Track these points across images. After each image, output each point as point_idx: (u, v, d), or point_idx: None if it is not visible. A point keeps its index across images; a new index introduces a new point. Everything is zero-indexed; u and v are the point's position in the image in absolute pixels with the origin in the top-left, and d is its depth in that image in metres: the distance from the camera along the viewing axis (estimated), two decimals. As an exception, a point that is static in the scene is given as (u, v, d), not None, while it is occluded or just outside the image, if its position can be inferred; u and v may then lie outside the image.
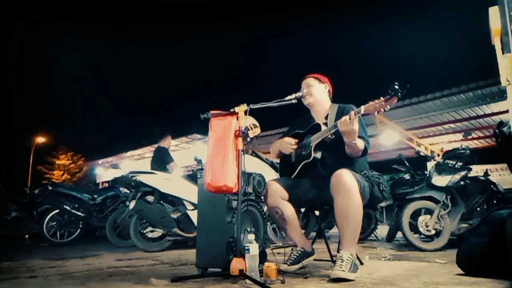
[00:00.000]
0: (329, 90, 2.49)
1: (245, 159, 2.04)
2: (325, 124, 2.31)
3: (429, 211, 3.55)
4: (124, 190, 5.28)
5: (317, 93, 2.42)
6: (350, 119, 1.94)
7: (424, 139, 10.89)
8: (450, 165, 3.66)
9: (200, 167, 4.88)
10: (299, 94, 2.38)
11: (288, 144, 2.35)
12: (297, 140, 2.36)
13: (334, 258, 2.15)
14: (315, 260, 2.39)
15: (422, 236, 3.63)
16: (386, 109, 1.88)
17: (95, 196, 5.50)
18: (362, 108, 1.93)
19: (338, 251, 2.06)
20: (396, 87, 1.79)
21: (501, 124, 2.37)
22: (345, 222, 1.99)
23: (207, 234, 2.23)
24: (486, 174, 4.26)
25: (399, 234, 4.36)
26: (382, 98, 1.88)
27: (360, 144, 2.08)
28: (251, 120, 3.17)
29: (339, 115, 2.28)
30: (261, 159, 4.41)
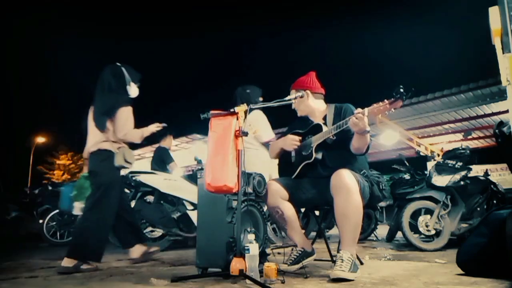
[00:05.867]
0: (315, 93, 2.41)
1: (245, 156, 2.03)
2: (324, 125, 2.30)
3: (429, 211, 3.54)
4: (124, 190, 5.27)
5: (302, 106, 2.41)
6: (362, 115, 1.90)
7: (424, 139, 10.89)
8: (450, 165, 3.66)
9: (200, 167, 4.89)
10: (299, 94, 2.37)
11: (293, 140, 2.33)
12: (300, 138, 2.35)
13: (334, 258, 2.15)
14: (315, 260, 2.39)
15: (422, 236, 3.63)
16: (391, 112, 1.87)
17: (95, 196, 5.49)
18: (366, 110, 1.91)
19: (338, 251, 2.06)
20: (401, 90, 1.78)
21: (501, 124, 2.37)
22: (345, 222, 1.98)
23: (207, 234, 2.22)
24: (486, 174, 4.26)
25: (399, 234, 4.36)
26: (386, 101, 1.86)
27: (369, 137, 2.07)
28: (251, 120, 3.17)
29: (337, 115, 2.28)
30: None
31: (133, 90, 2.94)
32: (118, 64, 2.90)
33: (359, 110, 1.93)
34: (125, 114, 2.75)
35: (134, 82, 2.94)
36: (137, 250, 2.89)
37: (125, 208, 2.93)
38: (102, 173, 2.70)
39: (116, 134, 2.75)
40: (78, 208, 3.99)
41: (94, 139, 2.78)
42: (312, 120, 2.42)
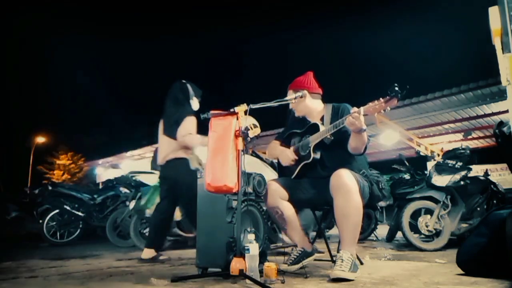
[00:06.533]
0: (313, 93, 2.40)
1: (245, 159, 2.04)
2: (322, 125, 2.29)
3: (429, 211, 3.54)
4: (124, 190, 5.28)
5: (300, 106, 2.40)
6: (358, 114, 1.90)
7: (424, 139, 10.89)
8: (450, 165, 3.66)
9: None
10: (299, 93, 2.37)
11: (288, 158, 2.34)
12: (297, 158, 2.33)
13: (334, 258, 2.15)
14: (315, 260, 2.39)
15: (422, 236, 3.63)
16: (386, 110, 1.88)
17: (95, 196, 5.50)
18: (362, 109, 1.92)
19: (338, 251, 2.06)
20: (396, 88, 1.79)
21: (501, 124, 2.38)
22: (344, 222, 1.98)
23: (207, 234, 2.23)
24: (486, 174, 4.25)
25: (399, 234, 4.36)
26: (381, 99, 1.88)
27: (366, 136, 2.07)
28: (251, 120, 3.16)
29: (334, 115, 2.27)
30: (261, 159, 4.41)
31: (195, 104, 3.32)
32: (184, 81, 3.32)
33: (355, 109, 1.94)
34: (188, 121, 3.06)
35: (197, 97, 3.33)
36: (148, 253, 3.02)
37: (172, 215, 3.27)
38: (182, 177, 3.02)
39: (177, 138, 3.04)
40: (148, 212, 4.24)
41: (169, 148, 3.12)
42: (310, 120, 2.41)
